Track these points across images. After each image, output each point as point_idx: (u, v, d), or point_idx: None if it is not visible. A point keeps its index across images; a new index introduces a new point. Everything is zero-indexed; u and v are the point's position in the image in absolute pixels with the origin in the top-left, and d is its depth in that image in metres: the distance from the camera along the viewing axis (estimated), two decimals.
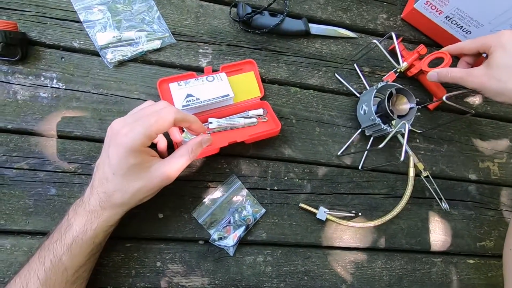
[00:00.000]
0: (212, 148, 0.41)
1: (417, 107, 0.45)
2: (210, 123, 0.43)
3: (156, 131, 0.32)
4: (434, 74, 0.44)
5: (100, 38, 0.43)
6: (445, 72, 0.42)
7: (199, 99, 0.42)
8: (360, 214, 0.47)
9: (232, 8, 0.49)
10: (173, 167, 0.34)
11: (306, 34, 0.51)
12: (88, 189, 0.34)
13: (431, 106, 0.52)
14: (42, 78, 0.42)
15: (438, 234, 0.50)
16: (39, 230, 0.38)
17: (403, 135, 0.47)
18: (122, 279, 0.39)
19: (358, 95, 0.51)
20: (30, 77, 0.41)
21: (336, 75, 0.51)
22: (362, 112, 0.47)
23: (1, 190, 0.38)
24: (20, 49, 0.40)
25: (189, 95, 0.42)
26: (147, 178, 0.33)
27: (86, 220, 0.32)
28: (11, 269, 0.37)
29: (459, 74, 0.41)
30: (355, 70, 0.52)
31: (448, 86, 0.54)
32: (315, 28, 0.51)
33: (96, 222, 0.32)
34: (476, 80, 0.39)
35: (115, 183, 0.32)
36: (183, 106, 0.41)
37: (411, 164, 0.45)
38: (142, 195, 0.33)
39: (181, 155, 0.35)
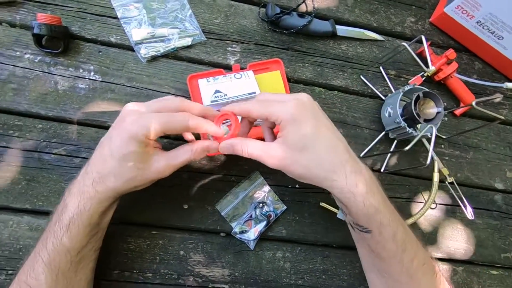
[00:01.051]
0: None
1: (444, 112, 0.44)
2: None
3: (155, 133, 0.32)
4: (227, 146, 0.34)
5: (135, 34, 0.45)
6: (239, 146, 0.34)
7: (226, 95, 0.43)
8: None
9: (261, 8, 0.50)
10: (172, 163, 0.34)
11: (333, 35, 0.51)
12: (84, 168, 0.33)
13: (458, 111, 0.52)
14: (81, 70, 0.44)
15: (461, 242, 0.49)
16: None
17: (428, 139, 0.47)
18: (147, 264, 0.40)
19: (383, 97, 0.50)
20: (70, 69, 0.44)
21: (362, 77, 0.51)
22: (386, 115, 0.47)
23: (40, 173, 0.40)
24: (62, 42, 0.43)
25: (217, 91, 0.43)
26: (144, 169, 0.33)
27: (79, 200, 0.31)
28: None
29: (257, 152, 0.33)
30: (381, 72, 0.52)
31: (476, 93, 0.53)
32: (342, 30, 0.51)
33: (89, 203, 0.31)
34: (278, 162, 0.32)
35: (110, 165, 0.31)
36: (211, 101, 0.42)
37: (436, 169, 0.45)
38: (135, 183, 0.33)
39: (184, 152, 0.34)
